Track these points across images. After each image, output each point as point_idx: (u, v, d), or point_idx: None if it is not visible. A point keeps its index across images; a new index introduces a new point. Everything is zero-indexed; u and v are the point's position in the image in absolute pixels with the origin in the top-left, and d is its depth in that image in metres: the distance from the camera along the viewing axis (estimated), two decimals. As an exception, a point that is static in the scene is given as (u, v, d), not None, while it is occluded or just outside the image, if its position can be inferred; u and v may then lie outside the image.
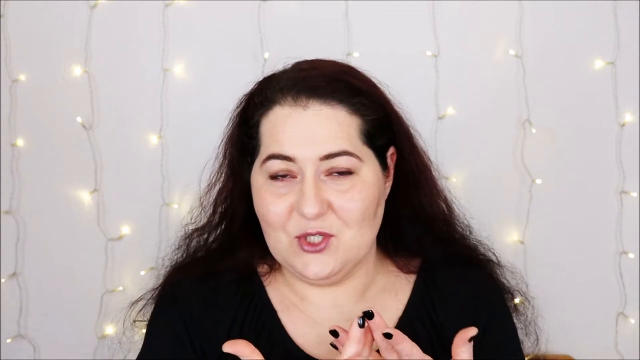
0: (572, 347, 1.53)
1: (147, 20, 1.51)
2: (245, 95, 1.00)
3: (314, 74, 0.95)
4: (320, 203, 0.90)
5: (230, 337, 0.96)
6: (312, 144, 0.91)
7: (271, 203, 0.92)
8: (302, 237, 0.92)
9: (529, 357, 1.49)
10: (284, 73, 0.98)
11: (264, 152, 0.94)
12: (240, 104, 1.01)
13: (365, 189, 0.92)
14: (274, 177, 0.93)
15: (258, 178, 0.95)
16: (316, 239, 0.92)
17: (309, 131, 0.91)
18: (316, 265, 0.92)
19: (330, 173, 0.91)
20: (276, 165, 0.92)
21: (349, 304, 1.00)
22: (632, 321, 1.54)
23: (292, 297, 1.02)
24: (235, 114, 1.01)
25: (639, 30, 1.51)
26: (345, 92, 0.94)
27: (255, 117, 0.96)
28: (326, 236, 0.92)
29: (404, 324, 1.00)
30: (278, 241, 0.95)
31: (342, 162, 0.91)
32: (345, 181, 0.91)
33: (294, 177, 0.92)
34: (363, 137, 0.94)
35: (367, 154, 0.94)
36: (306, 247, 0.92)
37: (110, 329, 1.52)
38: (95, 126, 1.52)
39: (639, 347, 1.54)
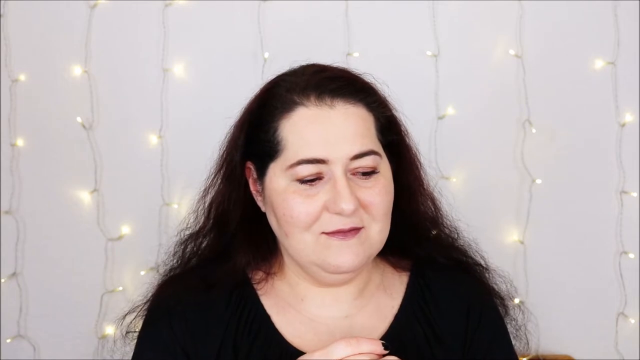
0: (572, 347, 1.53)
1: (147, 20, 1.51)
2: (253, 99, 0.99)
3: (331, 76, 0.96)
4: (355, 199, 0.91)
5: (223, 347, 0.97)
6: (343, 143, 0.91)
7: (301, 203, 0.92)
8: (331, 233, 0.93)
9: (529, 357, 1.49)
10: (297, 76, 0.97)
11: (291, 157, 0.93)
12: (249, 108, 0.99)
13: (387, 184, 0.95)
14: (303, 181, 0.92)
15: (280, 181, 0.94)
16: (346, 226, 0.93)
17: (339, 130, 0.92)
18: (349, 254, 0.93)
19: (355, 172, 0.93)
20: (306, 170, 0.92)
21: (348, 300, 1.01)
22: (632, 321, 1.54)
23: (291, 299, 1.02)
24: (242, 118, 1.00)
25: (639, 30, 1.51)
26: (363, 92, 0.96)
27: (275, 120, 0.94)
28: (358, 229, 0.93)
29: (400, 322, 1.01)
30: (302, 242, 0.94)
31: (369, 161, 0.93)
32: (370, 178, 0.94)
33: (322, 178, 0.92)
34: (379, 134, 0.96)
35: (382, 151, 0.96)
36: (338, 236, 0.92)
37: (110, 329, 1.52)
38: (95, 126, 1.52)
39: (639, 347, 1.54)
